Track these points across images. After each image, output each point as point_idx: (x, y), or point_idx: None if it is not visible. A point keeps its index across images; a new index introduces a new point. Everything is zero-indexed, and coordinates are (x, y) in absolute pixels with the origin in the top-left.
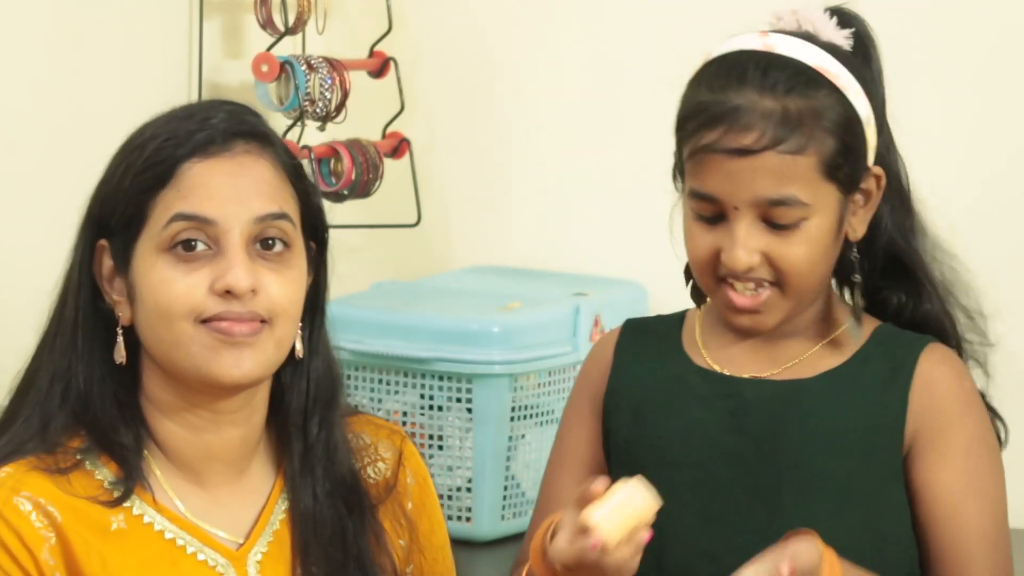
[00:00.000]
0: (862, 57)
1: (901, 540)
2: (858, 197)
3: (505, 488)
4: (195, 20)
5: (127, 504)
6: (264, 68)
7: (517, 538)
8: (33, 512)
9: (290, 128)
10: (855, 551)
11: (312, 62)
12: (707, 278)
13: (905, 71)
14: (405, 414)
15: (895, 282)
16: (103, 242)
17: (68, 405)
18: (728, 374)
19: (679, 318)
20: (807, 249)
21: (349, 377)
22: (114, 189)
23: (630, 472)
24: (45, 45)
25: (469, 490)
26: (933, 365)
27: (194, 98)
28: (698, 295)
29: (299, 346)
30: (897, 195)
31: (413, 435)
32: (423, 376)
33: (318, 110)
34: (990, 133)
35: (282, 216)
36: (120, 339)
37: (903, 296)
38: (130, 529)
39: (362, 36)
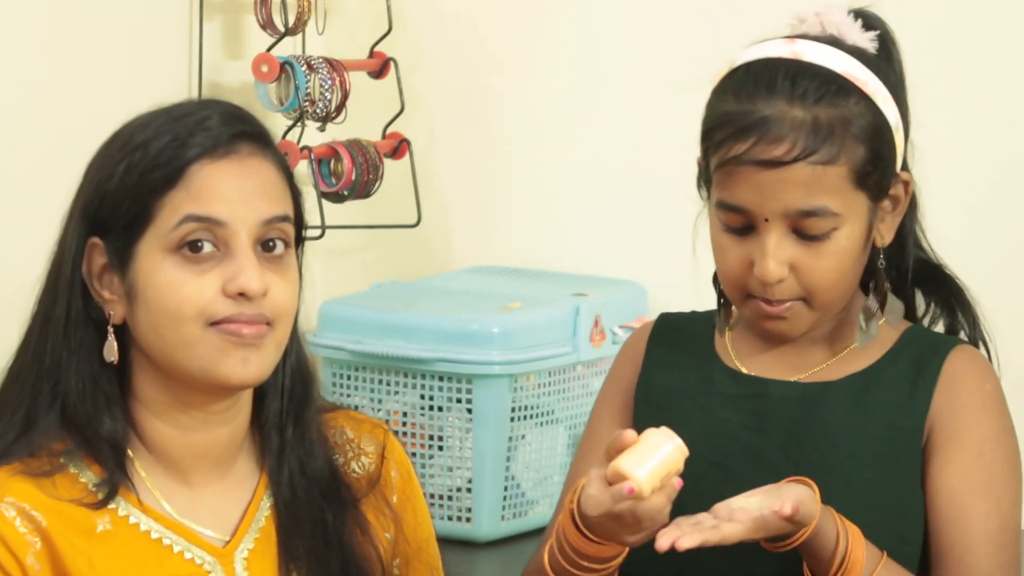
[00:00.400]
0: (886, 60)
1: (915, 543)
2: (886, 203)
3: (505, 488)
4: (195, 20)
5: (112, 505)
6: (264, 68)
7: (517, 538)
8: (17, 518)
9: (290, 128)
10: None
11: (312, 62)
12: (737, 291)
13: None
14: (405, 414)
15: (930, 287)
16: (95, 240)
17: (56, 404)
18: (754, 375)
19: (712, 317)
20: (836, 261)
21: (349, 377)
22: (116, 187)
23: None
24: (46, 45)
25: (469, 490)
26: (959, 365)
27: (194, 98)
28: (723, 319)
29: None
30: (913, 199)
31: (413, 435)
32: (423, 376)
33: (318, 110)
34: (995, 136)
35: (285, 218)
36: (112, 338)
37: (937, 300)
38: (116, 530)
39: (362, 36)
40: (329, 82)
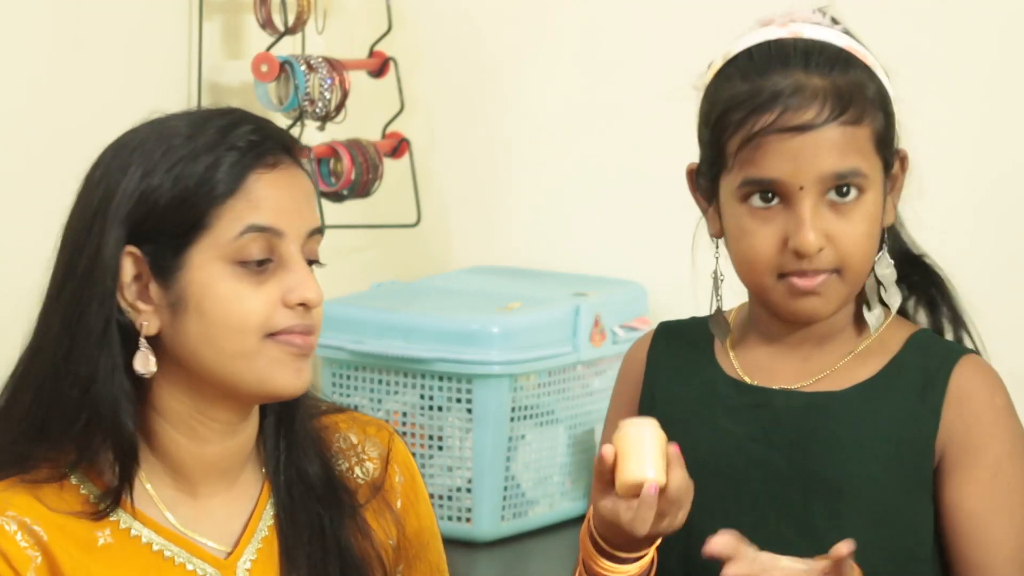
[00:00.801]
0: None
1: (926, 560)
2: (888, 182)
3: (505, 488)
4: (195, 20)
5: (113, 518)
6: (264, 68)
7: (517, 538)
8: (19, 532)
9: (290, 128)
10: (881, 569)
11: (312, 62)
12: (767, 276)
13: (912, 75)
14: (405, 414)
15: (912, 279)
16: (131, 249)
17: (83, 415)
18: (758, 385)
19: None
20: (868, 226)
21: (349, 377)
22: (169, 197)
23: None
24: (45, 45)
25: (469, 490)
26: (967, 378)
27: (194, 98)
28: (719, 327)
29: None
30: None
31: (413, 435)
32: (423, 376)
33: (318, 110)
34: (996, 137)
35: (321, 230)
36: (146, 349)
37: (918, 293)
38: (117, 543)
39: (362, 36)
40: (329, 82)
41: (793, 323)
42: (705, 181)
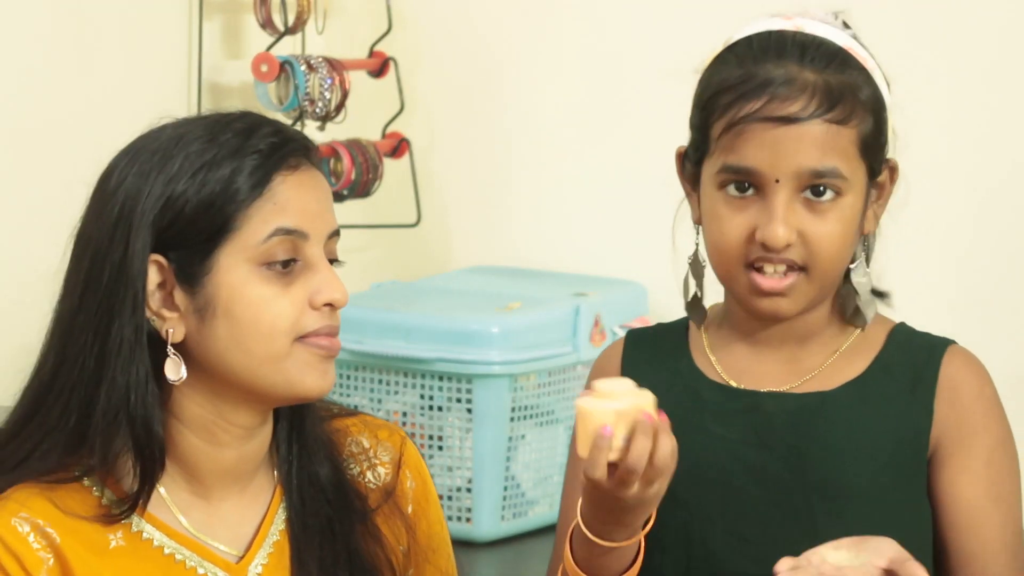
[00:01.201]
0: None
1: (924, 554)
2: (873, 190)
3: (505, 488)
4: (195, 20)
5: (125, 521)
6: (264, 68)
7: (517, 538)
8: (32, 534)
9: None
10: None
11: (312, 62)
12: (733, 265)
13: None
14: (405, 414)
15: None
16: (156, 256)
17: (119, 422)
18: (745, 388)
19: (683, 326)
20: (840, 229)
21: (349, 377)
22: (196, 201)
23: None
24: (45, 45)
25: (469, 490)
26: (955, 370)
27: (194, 98)
28: (696, 312)
29: None
30: None
31: (413, 435)
32: (423, 376)
33: (318, 110)
34: (997, 137)
35: (338, 232)
36: (176, 356)
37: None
38: (129, 546)
39: (362, 36)
40: (329, 81)
41: (762, 320)
42: (691, 165)
